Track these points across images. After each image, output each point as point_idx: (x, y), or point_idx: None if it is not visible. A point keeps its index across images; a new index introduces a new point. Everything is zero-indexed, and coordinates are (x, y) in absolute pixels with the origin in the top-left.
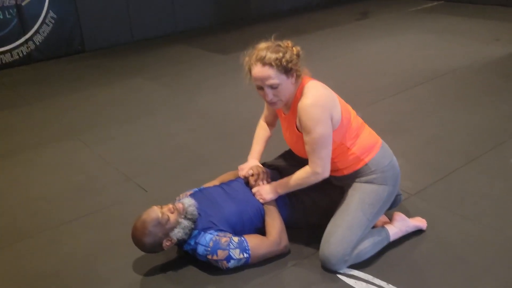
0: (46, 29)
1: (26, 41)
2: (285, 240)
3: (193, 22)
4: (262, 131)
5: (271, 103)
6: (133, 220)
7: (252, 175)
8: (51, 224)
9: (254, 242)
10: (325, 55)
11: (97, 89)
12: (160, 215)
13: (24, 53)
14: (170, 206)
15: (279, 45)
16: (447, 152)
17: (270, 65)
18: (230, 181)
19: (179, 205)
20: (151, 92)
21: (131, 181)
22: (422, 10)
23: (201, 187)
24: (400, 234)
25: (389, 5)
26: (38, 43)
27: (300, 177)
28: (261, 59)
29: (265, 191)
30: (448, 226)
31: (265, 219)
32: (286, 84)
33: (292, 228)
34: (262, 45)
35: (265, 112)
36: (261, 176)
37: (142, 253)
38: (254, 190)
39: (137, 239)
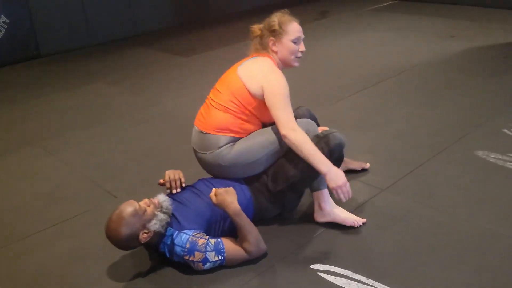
0: None
1: None
2: (262, 248)
3: (153, 23)
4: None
5: (300, 58)
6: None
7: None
8: (18, 236)
9: (231, 248)
10: None
11: (56, 94)
12: (137, 206)
13: None
14: (146, 200)
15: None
16: (414, 146)
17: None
18: (193, 184)
19: (154, 200)
20: (114, 96)
21: (99, 188)
22: (378, 9)
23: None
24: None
25: (346, 4)
26: None
27: None
28: (296, 20)
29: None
30: (420, 218)
31: (238, 232)
32: None
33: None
34: (280, 12)
35: (293, 116)
36: (173, 184)
37: (118, 259)
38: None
39: (113, 232)
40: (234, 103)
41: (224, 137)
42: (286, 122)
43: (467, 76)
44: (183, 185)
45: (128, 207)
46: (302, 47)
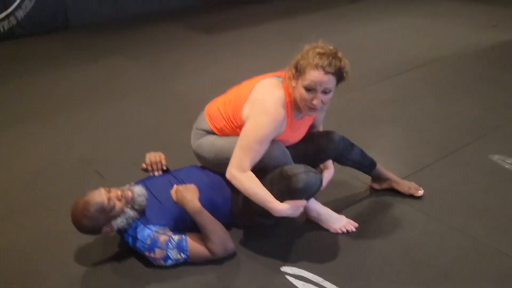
0: (29, 4)
1: (7, 16)
2: (228, 248)
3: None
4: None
5: (313, 109)
6: None
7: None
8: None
9: (195, 246)
10: (313, 38)
11: (74, 68)
12: (105, 200)
13: (6, 29)
14: (119, 192)
15: (336, 53)
16: (422, 145)
17: (333, 73)
18: (180, 169)
19: (128, 193)
20: (129, 72)
21: (90, 167)
22: None
23: (147, 177)
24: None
25: None
26: (20, 19)
27: None
28: (326, 65)
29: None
30: (412, 225)
31: (201, 231)
32: (332, 94)
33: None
34: (321, 47)
35: (250, 163)
36: (154, 167)
37: (88, 243)
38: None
39: (76, 219)
40: (229, 108)
41: (206, 124)
42: (230, 165)
43: (500, 72)
44: (164, 167)
45: (96, 200)
46: (316, 100)
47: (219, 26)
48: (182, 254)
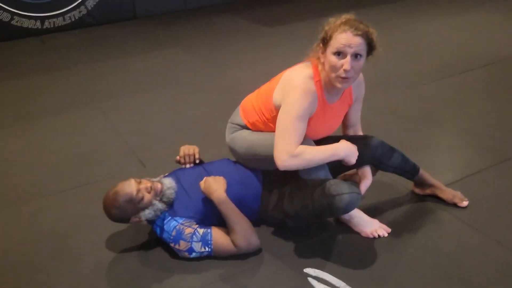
0: None
1: (78, 6)
2: (253, 243)
3: None
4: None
5: (344, 79)
6: None
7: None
8: (44, 192)
9: (219, 240)
10: (379, 30)
11: (134, 57)
12: (134, 192)
13: (76, 18)
14: (149, 184)
15: (362, 21)
16: (475, 150)
17: (361, 35)
18: (212, 162)
19: (157, 185)
20: (185, 62)
21: (133, 155)
22: None
23: (180, 168)
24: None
25: None
26: (90, 8)
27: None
28: (353, 27)
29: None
30: (449, 236)
31: (226, 223)
32: (363, 63)
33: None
34: (349, 16)
35: (296, 144)
36: (186, 159)
37: (120, 230)
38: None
39: (106, 208)
40: (260, 101)
41: (240, 119)
42: (279, 154)
43: None
44: (197, 161)
45: (126, 191)
46: (346, 64)
47: (281, 18)
48: (206, 248)
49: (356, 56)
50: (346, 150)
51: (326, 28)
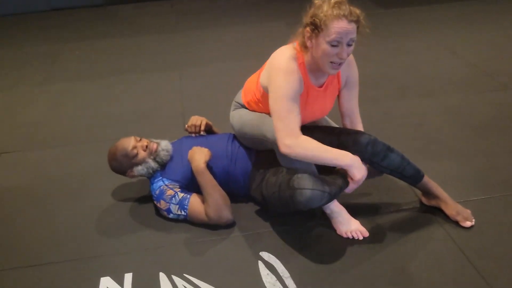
0: None
1: None
2: (223, 216)
3: None
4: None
5: (337, 65)
6: None
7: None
8: (91, 138)
9: (195, 207)
10: (462, 28)
11: (238, 26)
12: (130, 148)
13: None
14: (145, 143)
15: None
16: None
17: (355, 21)
18: (215, 135)
19: (153, 145)
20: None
21: (182, 118)
22: None
23: (186, 136)
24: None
25: None
26: None
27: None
28: (347, 13)
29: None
30: (431, 253)
31: (202, 193)
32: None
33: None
34: None
35: (296, 124)
36: (192, 129)
37: (129, 182)
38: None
39: (108, 159)
40: (254, 80)
41: (240, 98)
42: (280, 138)
43: None
44: (202, 132)
45: (123, 146)
46: (342, 53)
47: (401, 1)
48: (182, 211)
49: (349, 44)
50: (354, 161)
51: (317, 12)
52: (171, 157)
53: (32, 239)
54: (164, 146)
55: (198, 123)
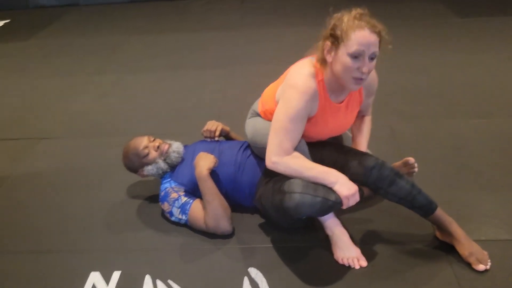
0: None
1: None
2: (221, 226)
3: None
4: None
5: (359, 80)
6: None
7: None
8: (121, 132)
9: (196, 213)
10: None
11: (307, 27)
12: (141, 147)
13: None
14: (157, 144)
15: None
16: None
17: (378, 33)
18: (228, 141)
19: (164, 146)
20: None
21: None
22: None
23: (201, 140)
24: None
25: None
26: None
27: (370, 127)
28: (371, 25)
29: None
30: None
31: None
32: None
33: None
34: (360, 10)
35: (290, 144)
36: (207, 134)
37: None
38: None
39: (122, 157)
40: (271, 92)
41: (257, 106)
42: (269, 153)
43: None
44: (216, 138)
45: (135, 145)
46: (365, 66)
47: (479, 10)
48: (183, 216)
49: (372, 57)
50: (338, 178)
51: (338, 24)
52: (183, 160)
53: (39, 226)
54: (176, 148)
55: (213, 128)
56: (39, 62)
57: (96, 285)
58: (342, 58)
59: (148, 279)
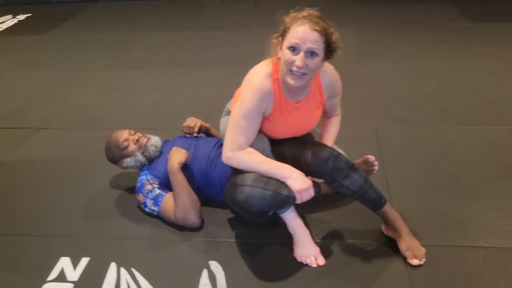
0: None
1: None
2: (189, 218)
3: None
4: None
5: (296, 77)
6: None
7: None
8: (120, 125)
9: (167, 205)
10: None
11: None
12: (121, 140)
13: None
14: (136, 137)
15: (328, 22)
16: None
17: (319, 31)
18: (205, 138)
19: (143, 140)
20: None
21: (212, 115)
22: None
23: (181, 136)
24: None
25: None
26: None
27: (337, 127)
28: (312, 22)
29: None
30: None
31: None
32: (319, 62)
33: None
34: (312, 11)
35: (244, 140)
36: (186, 130)
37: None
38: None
39: (105, 148)
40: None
41: (230, 104)
42: (224, 148)
43: None
44: (195, 134)
45: (116, 137)
46: (299, 60)
47: (492, 16)
48: (155, 207)
49: (311, 54)
50: (291, 173)
51: (286, 20)
52: (161, 154)
53: (21, 210)
54: (154, 142)
55: (192, 124)
56: (52, 56)
57: (64, 269)
58: (284, 51)
59: (113, 266)
